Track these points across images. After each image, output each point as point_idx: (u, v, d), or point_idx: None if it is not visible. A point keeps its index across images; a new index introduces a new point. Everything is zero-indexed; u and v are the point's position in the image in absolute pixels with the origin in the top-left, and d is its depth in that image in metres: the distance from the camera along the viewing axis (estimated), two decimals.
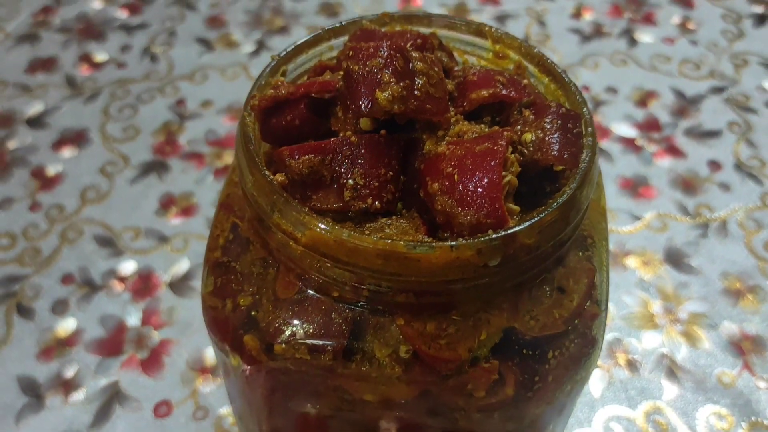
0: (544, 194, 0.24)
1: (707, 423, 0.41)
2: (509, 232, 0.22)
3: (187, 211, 0.51)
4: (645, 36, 0.64)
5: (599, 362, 0.43)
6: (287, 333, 0.25)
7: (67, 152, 0.54)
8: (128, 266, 0.47)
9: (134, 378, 0.42)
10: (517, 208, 0.23)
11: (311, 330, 0.25)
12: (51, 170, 0.53)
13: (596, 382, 0.42)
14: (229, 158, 0.54)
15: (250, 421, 0.33)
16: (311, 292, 0.24)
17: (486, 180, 0.22)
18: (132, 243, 0.49)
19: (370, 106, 0.23)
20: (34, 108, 0.57)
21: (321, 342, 0.24)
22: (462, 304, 0.24)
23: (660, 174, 0.54)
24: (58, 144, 0.55)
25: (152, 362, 0.43)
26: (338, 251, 0.22)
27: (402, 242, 0.22)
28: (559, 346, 0.25)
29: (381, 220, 0.24)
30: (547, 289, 0.25)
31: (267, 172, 0.23)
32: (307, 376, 0.25)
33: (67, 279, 0.47)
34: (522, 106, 0.25)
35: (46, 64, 0.61)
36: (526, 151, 0.24)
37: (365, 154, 0.23)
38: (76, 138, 0.55)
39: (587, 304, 0.25)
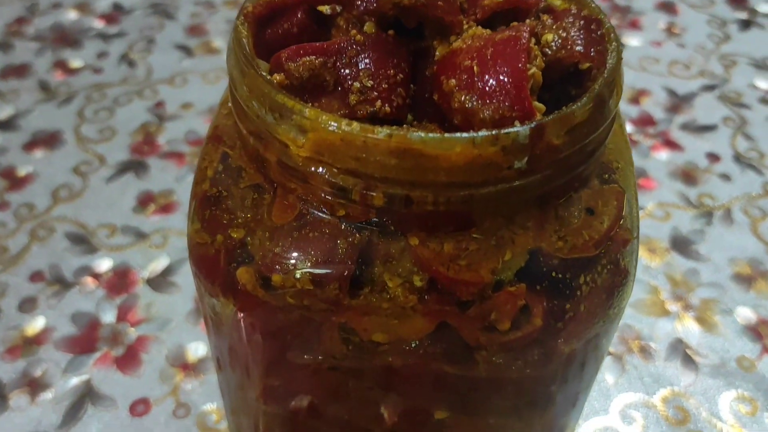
0: (570, 98, 0.22)
1: (731, 408, 0.38)
2: (536, 123, 0.19)
3: (167, 208, 0.48)
4: (632, 40, 0.64)
5: (611, 349, 0.41)
6: (286, 262, 0.22)
7: (39, 153, 0.51)
8: (103, 263, 0.44)
9: (108, 376, 0.38)
10: (542, 106, 0.21)
11: (313, 257, 0.22)
12: (21, 171, 0.50)
13: (609, 369, 0.40)
14: None
15: (241, 403, 0.30)
16: (313, 211, 0.22)
17: (509, 68, 0.20)
18: (107, 240, 0.45)
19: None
20: (5, 111, 0.55)
21: (325, 270, 0.22)
22: (483, 220, 0.21)
23: (658, 166, 0.52)
24: (30, 145, 0.52)
25: (128, 359, 0.39)
26: (346, 153, 0.20)
27: (419, 134, 0.19)
28: (591, 272, 0.22)
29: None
30: (575, 209, 0.23)
31: (263, 72, 0.21)
32: (308, 313, 0.22)
33: (36, 277, 0.43)
34: (539, 12, 0.23)
35: (18, 71, 0.59)
36: (548, 50, 0.22)
37: (373, 54, 0.21)
38: (49, 139, 0.52)
39: (618, 228, 0.23)
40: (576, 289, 0.22)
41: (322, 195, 0.21)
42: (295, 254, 0.22)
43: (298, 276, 0.22)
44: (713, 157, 0.53)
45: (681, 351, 0.41)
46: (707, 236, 0.47)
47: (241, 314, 0.23)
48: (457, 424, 0.26)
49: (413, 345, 0.23)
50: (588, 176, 0.23)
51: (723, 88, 0.59)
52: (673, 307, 0.43)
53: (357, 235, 0.22)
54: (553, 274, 0.22)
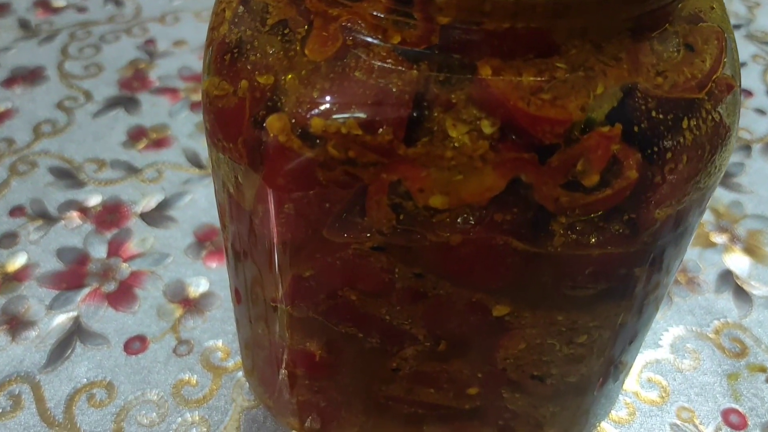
0: None
1: None
2: None
3: (161, 142, 0.43)
4: None
5: None
6: (328, 104, 0.18)
7: (19, 89, 0.47)
8: (91, 198, 0.40)
9: (99, 312, 0.34)
10: None
11: (361, 98, 0.18)
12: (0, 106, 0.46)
13: None
14: None
15: (260, 326, 0.26)
16: (361, 37, 0.18)
17: None
18: (95, 174, 0.41)
19: None
20: None
21: (376, 112, 0.18)
22: (568, 46, 0.17)
23: None
24: (8, 82, 0.48)
25: (121, 295, 0.35)
26: None
27: None
28: (695, 117, 0.19)
29: None
30: (673, 43, 0.19)
31: None
32: (353, 169, 0.18)
33: (16, 211, 0.39)
34: None
35: None
36: None
37: None
38: (30, 76, 0.48)
39: (720, 70, 0.19)
40: (679, 134, 0.18)
41: (374, 14, 0.17)
42: (338, 96, 0.18)
43: (343, 119, 0.18)
44: (746, 93, 0.49)
45: (732, 282, 0.37)
46: (748, 168, 0.44)
47: (269, 180, 0.19)
48: (518, 323, 0.22)
49: (477, 214, 0.19)
50: (683, 6, 0.19)
51: (749, 27, 0.55)
52: (718, 238, 0.39)
53: (414, 70, 0.18)
54: (654, 114, 0.18)
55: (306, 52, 0.18)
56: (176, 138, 0.44)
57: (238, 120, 0.19)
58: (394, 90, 0.18)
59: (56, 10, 0.54)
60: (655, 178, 0.18)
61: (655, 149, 0.18)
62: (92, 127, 0.44)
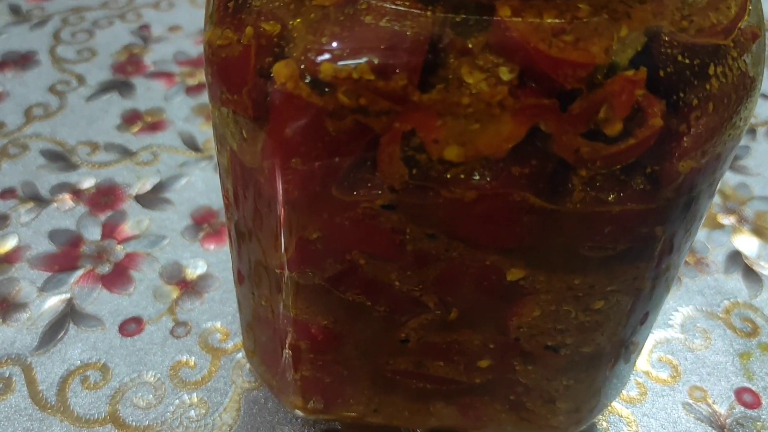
0: None
1: None
2: None
3: (156, 126, 0.42)
4: None
5: None
6: (338, 49, 0.17)
7: (10, 73, 0.46)
8: (84, 180, 0.39)
9: (93, 294, 0.33)
10: None
11: (373, 43, 0.17)
12: None
13: None
14: (203, 77, 0.46)
15: (261, 303, 0.25)
16: None
17: None
18: (89, 157, 0.40)
19: None
20: None
21: (389, 57, 0.17)
22: None
23: None
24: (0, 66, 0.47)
25: (116, 277, 0.34)
26: None
27: None
28: (721, 63, 0.18)
29: None
30: None
31: None
32: (365, 119, 0.18)
33: (6, 194, 0.38)
34: None
35: None
36: None
37: None
38: (21, 60, 0.47)
39: (746, 18, 0.19)
40: (705, 81, 0.18)
41: None
42: (348, 41, 0.17)
43: (354, 64, 0.17)
44: None
45: (741, 263, 0.36)
46: (753, 151, 0.43)
47: (276, 132, 0.18)
48: (532, 288, 0.21)
49: (493, 167, 0.18)
50: None
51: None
52: (726, 220, 0.39)
53: (429, 12, 0.17)
54: (679, 59, 0.17)
55: None
56: (172, 121, 0.43)
57: (242, 70, 0.18)
58: (408, 33, 0.17)
59: None
60: (680, 126, 0.18)
61: (681, 96, 0.17)
62: (85, 110, 0.43)
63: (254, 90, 0.18)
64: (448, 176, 0.19)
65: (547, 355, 0.24)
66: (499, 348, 0.24)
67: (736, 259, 0.37)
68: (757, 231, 0.38)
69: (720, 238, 0.38)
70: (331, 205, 0.20)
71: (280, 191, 0.20)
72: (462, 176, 0.19)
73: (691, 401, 0.30)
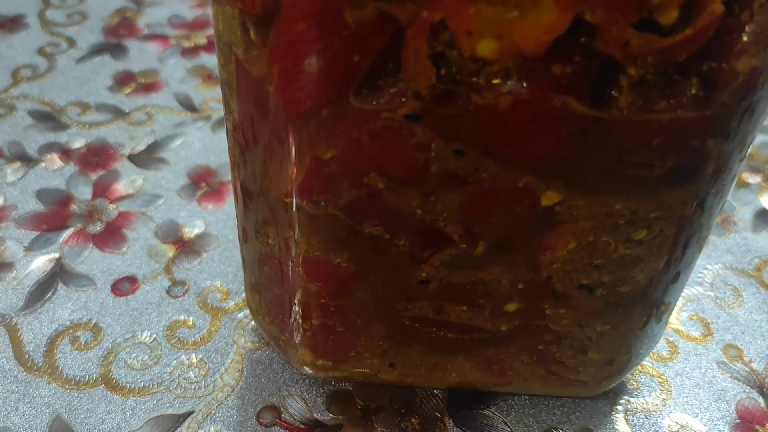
0: None
1: None
2: None
3: (150, 87, 0.40)
4: None
5: None
6: None
7: None
8: (75, 140, 0.37)
9: (84, 254, 0.31)
10: None
11: None
12: None
13: None
14: (200, 39, 0.44)
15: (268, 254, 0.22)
16: None
17: None
18: (79, 117, 0.38)
19: None
20: None
21: None
22: None
23: None
24: None
25: (109, 235, 0.32)
26: None
27: None
28: None
29: None
30: None
31: None
32: (388, 6, 0.15)
33: None
34: None
35: None
36: None
37: None
38: (9, 24, 0.45)
39: None
40: None
41: None
42: None
43: None
44: None
45: None
46: None
47: (288, 27, 0.16)
48: (569, 215, 0.19)
49: (532, 66, 0.16)
50: None
51: None
52: (752, 179, 0.37)
53: None
54: None
55: None
56: (167, 82, 0.41)
57: None
58: None
59: None
60: (742, 14, 0.16)
61: None
62: (76, 72, 0.41)
63: None
64: (481, 78, 0.17)
65: (580, 296, 0.22)
66: (528, 289, 0.22)
67: (764, 216, 0.35)
68: None
69: (747, 196, 0.36)
70: (348, 116, 0.18)
71: (291, 102, 0.18)
72: (496, 78, 0.17)
73: (726, 360, 0.28)
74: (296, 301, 0.23)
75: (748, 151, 0.21)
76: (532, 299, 0.22)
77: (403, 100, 0.17)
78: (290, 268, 0.22)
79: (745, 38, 0.16)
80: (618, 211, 0.19)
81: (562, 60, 0.16)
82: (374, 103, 0.17)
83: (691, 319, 0.30)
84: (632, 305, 0.22)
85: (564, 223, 0.20)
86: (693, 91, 0.17)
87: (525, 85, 0.17)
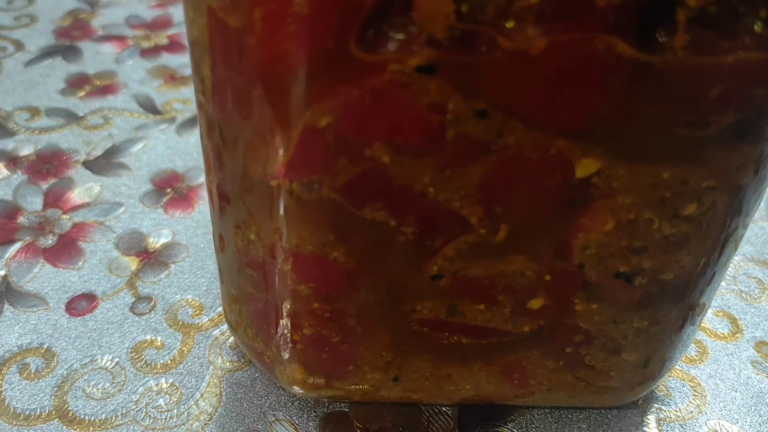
0: None
1: None
2: None
3: (107, 89, 0.37)
4: None
5: None
6: None
7: None
8: (23, 147, 0.33)
9: (33, 270, 0.27)
10: None
11: None
12: None
13: None
14: (161, 39, 0.41)
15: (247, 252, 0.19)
16: None
17: None
18: (27, 123, 0.34)
19: None
20: None
21: None
22: None
23: None
24: None
25: (62, 249, 0.28)
26: None
27: None
28: None
29: None
30: None
31: None
32: None
33: None
34: None
35: None
36: None
37: None
38: None
39: None
40: None
41: None
42: None
43: None
44: None
45: None
46: None
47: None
48: (608, 189, 0.16)
49: (570, 0, 0.13)
50: None
51: None
52: None
53: None
54: None
55: None
56: (125, 84, 0.37)
57: None
58: None
59: None
60: None
61: None
62: (24, 75, 0.37)
63: None
64: (510, 17, 0.14)
65: (617, 287, 0.19)
66: (556, 280, 0.18)
67: None
68: None
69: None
70: (347, 71, 0.14)
71: (277, 55, 0.14)
72: (528, 16, 0.14)
73: (759, 358, 0.26)
74: (284, 309, 0.20)
75: None
76: (561, 293, 0.19)
77: (415, 47, 0.14)
78: (277, 269, 0.19)
79: None
80: (665, 180, 0.16)
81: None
82: (379, 52, 0.14)
83: (717, 315, 0.27)
84: (675, 296, 0.19)
85: (601, 198, 0.17)
86: (760, 28, 0.14)
87: (562, 24, 0.14)
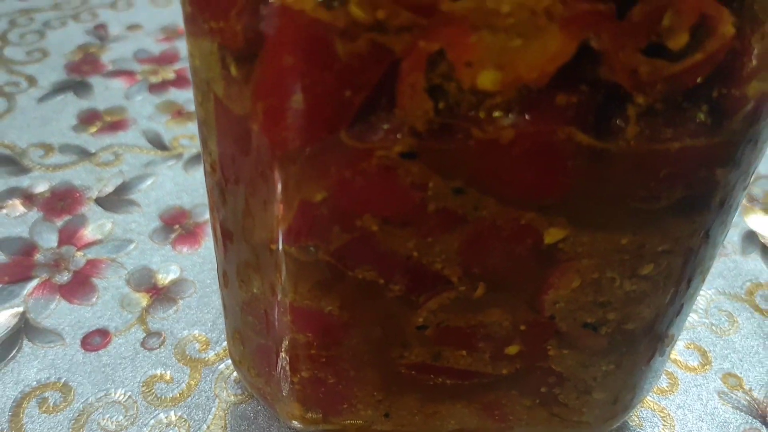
0: None
1: None
2: None
3: (117, 125, 0.39)
4: None
5: None
6: None
7: None
8: (38, 184, 0.35)
9: (50, 306, 0.29)
10: None
11: None
12: None
13: None
14: (168, 74, 0.43)
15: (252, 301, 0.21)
16: None
17: None
18: (42, 160, 0.36)
19: None
20: None
21: None
22: None
23: None
24: None
25: (77, 286, 0.30)
26: None
27: None
28: None
29: None
30: None
31: None
32: (383, 38, 0.14)
33: None
34: None
35: None
36: None
37: None
38: None
39: None
40: None
41: None
42: None
43: None
44: None
45: (758, 243, 0.34)
46: None
47: (274, 61, 0.15)
48: (573, 253, 0.18)
49: (535, 97, 0.15)
50: None
51: None
52: None
53: None
54: None
55: None
56: (134, 120, 0.39)
57: None
58: None
59: None
60: (753, 35, 0.15)
61: None
62: (37, 111, 0.39)
63: (245, 11, 0.15)
64: (481, 111, 0.16)
65: (585, 336, 0.21)
66: (530, 330, 0.20)
67: (752, 239, 0.34)
68: None
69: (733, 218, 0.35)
70: (339, 155, 0.16)
71: (278, 140, 0.16)
72: (497, 111, 0.16)
73: (726, 389, 0.27)
74: (283, 352, 0.22)
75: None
76: (535, 341, 0.21)
77: (399, 136, 0.16)
78: (276, 318, 0.21)
79: (755, 62, 0.15)
80: (624, 246, 0.18)
81: (567, 90, 0.15)
82: (368, 140, 0.16)
83: (689, 348, 0.29)
84: (638, 342, 0.21)
85: (567, 261, 0.19)
86: (702, 119, 0.16)
87: (528, 117, 0.16)
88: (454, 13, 0.14)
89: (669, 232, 0.18)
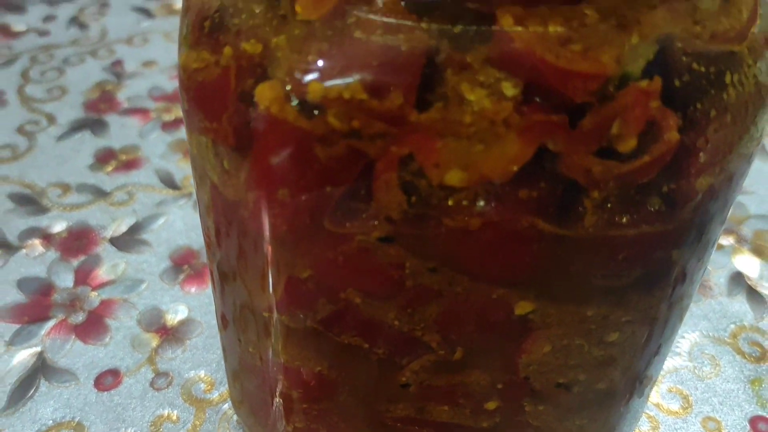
0: None
1: None
2: None
3: (131, 164, 0.41)
4: None
5: None
6: (327, 67, 0.16)
7: None
8: (55, 224, 0.37)
9: (66, 346, 0.31)
10: None
11: (364, 58, 0.16)
12: None
13: None
14: (180, 112, 0.45)
15: (248, 349, 0.23)
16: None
17: None
18: (60, 199, 0.38)
19: None
20: None
21: (383, 74, 0.15)
22: None
23: None
24: None
25: (91, 326, 0.32)
26: None
27: None
28: (738, 71, 0.17)
29: None
30: None
31: None
32: (358, 144, 0.16)
33: None
34: None
35: None
36: None
37: None
38: None
39: (757, 22, 0.17)
40: (723, 90, 0.16)
41: None
42: (337, 58, 0.16)
43: (345, 84, 0.15)
44: None
45: (744, 284, 0.35)
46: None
47: (261, 162, 0.17)
48: (543, 322, 0.20)
49: (499, 191, 0.17)
50: None
51: None
52: (725, 240, 0.37)
53: (423, 24, 0.16)
54: (695, 66, 0.16)
55: (297, 9, 0.16)
56: (148, 159, 0.41)
57: (222, 94, 0.17)
58: (402, 48, 0.16)
59: (16, 35, 0.51)
60: (697, 140, 0.16)
61: (698, 107, 0.16)
62: (56, 150, 0.41)
63: (235, 116, 0.17)
64: (450, 203, 0.17)
65: (558, 394, 0.22)
66: (507, 388, 0.22)
67: (738, 280, 0.35)
68: (757, 251, 0.37)
69: (720, 259, 0.36)
70: (322, 239, 0.18)
71: (267, 226, 0.18)
72: (465, 203, 0.17)
73: None
74: (277, 402, 0.23)
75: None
76: (512, 398, 0.22)
77: (376, 223, 0.18)
78: (270, 377, 0.22)
79: (702, 160, 0.17)
80: (589, 317, 0.20)
81: (528, 185, 0.17)
82: (348, 226, 0.18)
83: (671, 391, 0.30)
84: (609, 399, 0.22)
85: (538, 329, 0.20)
86: (656, 207, 0.18)
87: (493, 207, 0.17)
88: (422, 123, 0.16)
89: (631, 305, 0.20)
